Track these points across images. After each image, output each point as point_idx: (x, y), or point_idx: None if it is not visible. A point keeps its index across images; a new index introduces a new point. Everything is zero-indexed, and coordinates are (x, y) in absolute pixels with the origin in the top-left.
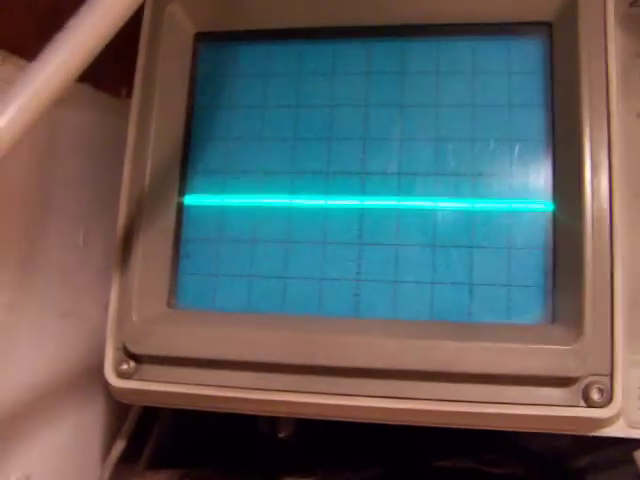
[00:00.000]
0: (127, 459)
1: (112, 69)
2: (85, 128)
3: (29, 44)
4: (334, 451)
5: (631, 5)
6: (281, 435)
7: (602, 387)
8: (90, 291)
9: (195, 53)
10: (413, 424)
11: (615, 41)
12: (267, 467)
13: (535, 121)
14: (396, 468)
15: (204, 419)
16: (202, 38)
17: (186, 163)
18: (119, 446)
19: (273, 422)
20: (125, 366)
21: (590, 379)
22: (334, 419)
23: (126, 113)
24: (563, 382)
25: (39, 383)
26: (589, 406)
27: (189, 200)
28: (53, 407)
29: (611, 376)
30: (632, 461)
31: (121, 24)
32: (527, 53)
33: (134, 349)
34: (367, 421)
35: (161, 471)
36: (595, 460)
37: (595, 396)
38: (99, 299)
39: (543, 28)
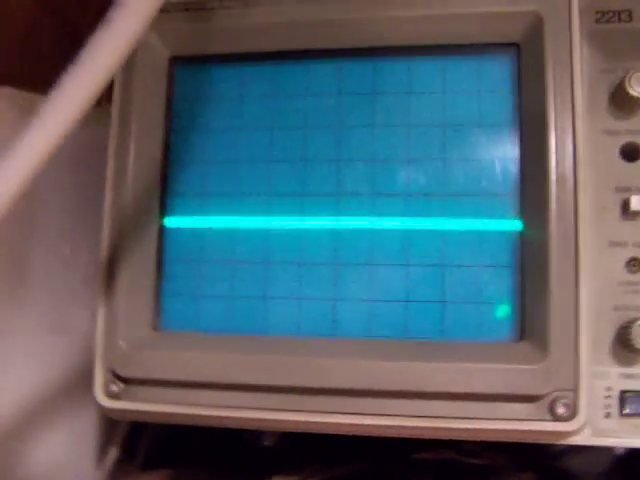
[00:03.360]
0: (121, 462)
1: None
2: (67, 139)
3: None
4: (319, 450)
5: (597, 22)
6: (267, 444)
7: (567, 402)
8: (78, 302)
9: (170, 76)
10: (389, 436)
11: (581, 58)
12: (254, 468)
13: (504, 140)
14: (379, 462)
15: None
16: (177, 62)
17: (166, 185)
18: (113, 451)
19: (257, 432)
20: (114, 387)
21: (555, 394)
22: (316, 432)
23: (106, 120)
24: (529, 398)
25: (33, 396)
26: (555, 420)
27: (170, 222)
28: (48, 418)
29: (576, 391)
30: None
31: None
32: (496, 73)
33: (122, 373)
34: (347, 434)
35: (154, 472)
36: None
37: (560, 410)
38: (87, 309)
39: (511, 48)
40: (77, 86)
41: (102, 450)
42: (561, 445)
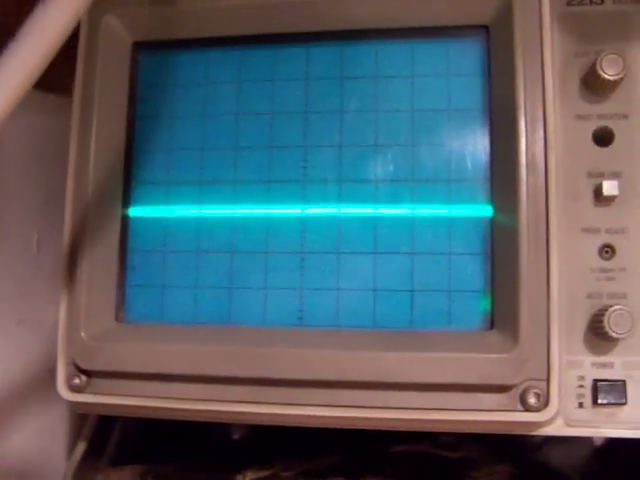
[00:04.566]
0: (90, 457)
1: (58, 67)
2: (32, 131)
3: None
4: (292, 442)
5: (568, 4)
6: (235, 437)
7: (539, 392)
8: (45, 295)
9: (134, 62)
10: (359, 428)
11: (553, 41)
12: (227, 462)
13: (474, 125)
14: (355, 455)
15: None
16: (140, 47)
17: (129, 174)
18: (82, 445)
19: (226, 426)
20: (77, 380)
21: (527, 384)
22: (285, 425)
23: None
24: (500, 388)
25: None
26: (526, 410)
27: (133, 212)
28: (15, 412)
29: (547, 380)
30: None
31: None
32: (465, 56)
33: (84, 365)
34: (316, 426)
35: (124, 468)
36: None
37: (532, 401)
38: (54, 303)
39: (480, 31)
40: (14, 65)
41: (71, 444)
42: (539, 436)
